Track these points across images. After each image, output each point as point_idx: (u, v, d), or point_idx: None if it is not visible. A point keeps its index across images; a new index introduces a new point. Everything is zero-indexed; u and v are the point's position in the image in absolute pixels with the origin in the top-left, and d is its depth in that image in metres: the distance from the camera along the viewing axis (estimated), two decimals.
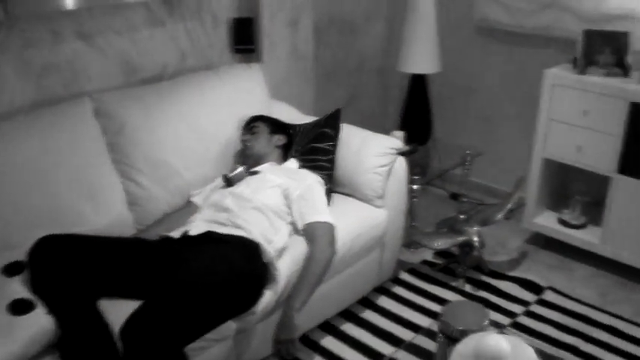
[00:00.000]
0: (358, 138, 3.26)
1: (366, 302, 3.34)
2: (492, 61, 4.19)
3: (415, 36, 3.88)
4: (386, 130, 3.54)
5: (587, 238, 3.64)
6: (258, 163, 3.02)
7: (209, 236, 2.61)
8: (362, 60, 4.51)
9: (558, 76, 3.48)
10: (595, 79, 3.39)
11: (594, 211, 3.64)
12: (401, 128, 3.90)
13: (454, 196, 4.27)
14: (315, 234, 2.75)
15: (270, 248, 2.61)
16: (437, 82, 4.14)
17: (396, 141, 3.29)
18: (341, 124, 3.28)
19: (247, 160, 3.06)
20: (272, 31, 3.63)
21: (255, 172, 2.95)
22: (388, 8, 4.51)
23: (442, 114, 4.37)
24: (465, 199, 3.96)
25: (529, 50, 3.98)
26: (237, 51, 3.61)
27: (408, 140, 3.64)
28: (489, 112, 4.29)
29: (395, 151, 3.23)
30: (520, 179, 3.68)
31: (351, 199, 3.21)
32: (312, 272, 2.64)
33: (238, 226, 2.64)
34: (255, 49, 3.61)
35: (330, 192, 3.08)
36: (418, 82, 4.08)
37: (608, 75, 3.41)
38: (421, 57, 3.92)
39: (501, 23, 4.01)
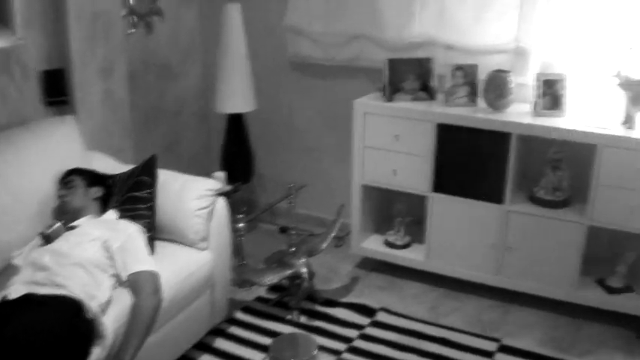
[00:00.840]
0: (177, 183, 3.21)
1: (202, 346, 3.27)
2: (308, 94, 4.30)
3: (229, 76, 3.90)
4: (210, 172, 3.52)
5: (412, 256, 3.80)
6: (76, 217, 2.90)
7: (29, 299, 2.46)
8: (181, 103, 4.47)
9: (368, 105, 3.63)
10: (402, 105, 3.58)
11: (417, 230, 3.80)
12: (223, 169, 3.88)
13: (283, 230, 4.31)
14: (139, 284, 2.67)
15: (93, 304, 2.51)
16: (256, 118, 4.18)
17: (215, 182, 3.27)
18: (158, 170, 3.21)
19: (65, 215, 2.93)
20: (85, 81, 3.51)
21: (74, 227, 2.83)
22: (204, 48, 4.51)
23: (264, 150, 4.41)
24: (293, 232, 4.00)
25: (341, 81, 4.13)
26: (50, 104, 3.44)
27: (230, 180, 3.63)
28: (310, 144, 4.38)
29: (214, 193, 3.21)
30: (340, 207, 3.77)
31: (174, 244, 3.15)
32: (139, 323, 2.56)
33: (58, 285, 2.51)
34: (68, 100, 3.47)
35: (152, 240, 3.01)
36: (236, 122, 4.09)
37: (414, 100, 3.61)
38: (236, 96, 3.94)
39: (313, 57, 4.13)
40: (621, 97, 3.27)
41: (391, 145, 3.60)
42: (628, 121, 3.27)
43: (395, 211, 3.89)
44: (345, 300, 3.67)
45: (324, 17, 4.00)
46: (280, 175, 4.43)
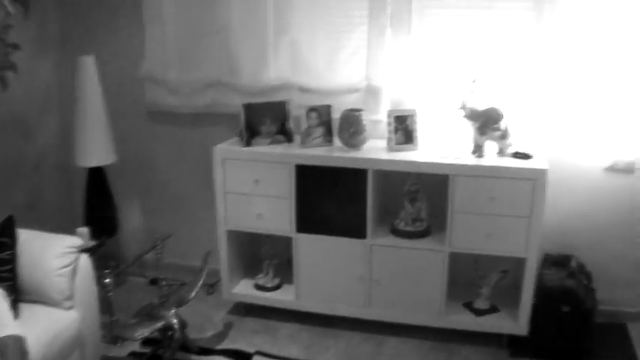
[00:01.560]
0: (38, 242, 3.10)
1: None
2: (168, 142, 4.27)
3: (87, 128, 3.83)
4: (74, 228, 3.42)
5: (283, 297, 3.81)
6: None
7: None
8: (40, 158, 4.32)
9: (227, 151, 3.64)
10: (261, 149, 3.61)
11: (286, 271, 3.81)
12: (87, 223, 3.77)
13: (153, 282, 4.22)
14: (4, 350, 2.54)
15: None
16: (118, 170, 4.09)
17: (76, 239, 3.18)
18: (18, 230, 3.09)
19: None
20: None
21: None
22: (61, 101, 4.38)
23: (129, 202, 4.33)
24: (164, 283, 3.92)
25: (200, 128, 4.12)
26: None
27: (95, 234, 3.54)
28: (174, 193, 4.33)
29: (77, 250, 3.12)
30: (206, 254, 3.73)
31: (39, 305, 3.01)
32: None
33: None
34: None
35: (15, 303, 2.88)
36: (97, 175, 4.00)
37: (272, 143, 3.65)
38: (96, 149, 3.86)
39: (171, 106, 4.09)
40: (469, 128, 3.43)
41: (253, 189, 3.61)
42: (477, 150, 3.43)
43: (263, 254, 3.89)
44: (220, 347, 3.63)
45: (180, 65, 4.00)
46: (146, 226, 4.35)
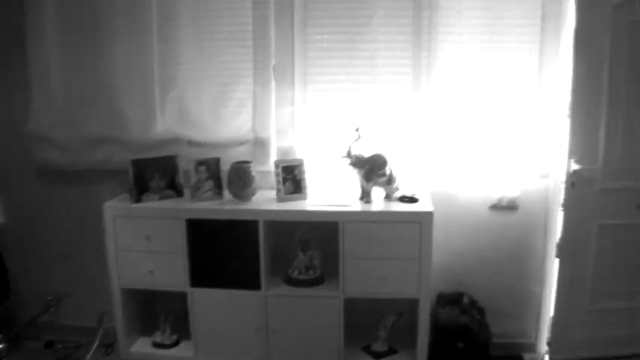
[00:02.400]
0: None
1: None
2: (59, 200, 4.16)
3: None
4: None
5: (182, 353, 3.75)
6: None
7: None
8: None
9: (117, 208, 3.59)
10: (151, 205, 3.58)
11: (184, 326, 3.75)
12: None
13: (49, 345, 4.09)
14: None
15: None
16: (8, 231, 3.96)
17: None
18: None
19: None
20: None
21: None
22: None
23: (20, 263, 4.18)
24: (59, 346, 3.81)
25: (91, 185, 4.03)
26: None
27: None
28: (67, 252, 4.21)
29: None
30: (100, 314, 3.66)
31: None
32: None
33: None
34: None
35: None
36: None
37: (162, 198, 3.62)
38: None
39: (60, 163, 3.99)
40: (355, 175, 3.49)
41: (145, 246, 3.56)
42: (364, 197, 3.50)
43: (159, 311, 3.83)
44: None
45: (68, 122, 3.92)
46: (39, 288, 4.21)
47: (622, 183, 3.56)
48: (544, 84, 3.57)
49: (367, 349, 3.67)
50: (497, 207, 3.75)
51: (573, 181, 3.50)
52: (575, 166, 3.48)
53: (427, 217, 3.32)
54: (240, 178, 3.51)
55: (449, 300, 3.72)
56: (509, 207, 3.74)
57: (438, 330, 3.59)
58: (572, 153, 3.49)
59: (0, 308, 3.88)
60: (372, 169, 3.47)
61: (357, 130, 3.46)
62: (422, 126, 3.66)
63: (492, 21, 3.54)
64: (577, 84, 3.41)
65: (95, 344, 3.54)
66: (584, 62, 3.40)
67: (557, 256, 3.65)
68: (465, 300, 3.70)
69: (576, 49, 3.37)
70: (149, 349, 3.81)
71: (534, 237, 3.78)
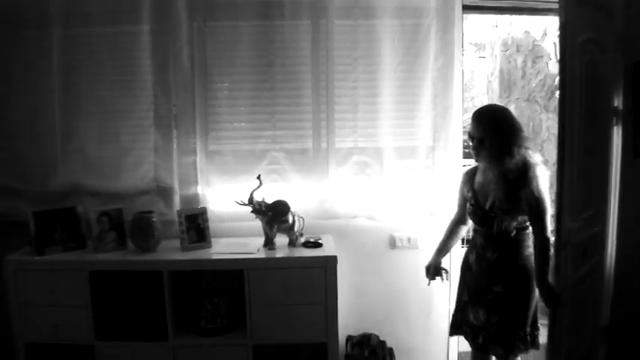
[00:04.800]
0: None
1: None
2: None
3: None
4: None
5: None
6: None
7: None
8: None
9: (18, 261, 3.50)
10: (53, 257, 3.51)
11: None
12: None
13: None
14: None
15: None
16: None
17: None
18: None
19: None
20: None
21: None
22: None
23: None
24: None
25: None
26: None
27: None
28: None
29: None
30: None
31: None
32: None
33: None
34: None
35: None
36: None
37: (65, 250, 3.56)
38: None
39: None
40: (259, 222, 3.52)
41: (48, 299, 3.47)
42: (268, 243, 3.53)
43: None
44: None
45: None
46: None
47: None
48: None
49: None
50: (396, 246, 3.83)
51: None
52: None
53: (331, 261, 3.39)
54: (143, 229, 3.50)
55: (357, 342, 3.76)
56: (408, 246, 3.83)
57: None
58: None
59: None
60: (274, 215, 3.51)
61: (258, 177, 3.51)
62: (322, 171, 3.73)
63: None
64: None
65: None
66: None
67: None
68: (374, 341, 3.75)
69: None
70: None
71: None
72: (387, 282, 3.89)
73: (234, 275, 3.44)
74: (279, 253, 3.50)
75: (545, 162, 3.32)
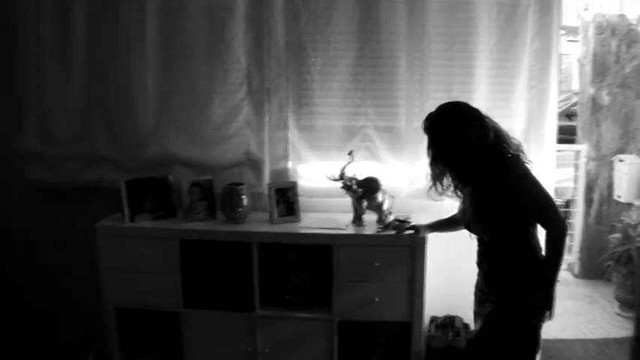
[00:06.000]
0: None
1: None
2: (50, 219, 4.14)
3: None
4: None
5: None
6: None
7: None
8: None
9: (110, 227, 3.59)
10: (144, 225, 3.58)
11: (176, 347, 3.73)
12: None
13: None
14: None
15: None
16: None
17: None
18: None
19: None
20: None
21: None
22: None
23: (11, 279, 4.16)
24: None
25: (83, 205, 4.01)
26: None
27: None
28: (57, 271, 4.19)
29: None
30: (93, 334, 3.66)
31: None
32: None
33: None
34: None
35: None
36: None
37: (155, 219, 3.62)
38: None
39: (51, 182, 3.99)
40: (349, 198, 3.50)
41: (138, 265, 3.54)
42: (357, 220, 3.51)
43: (152, 330, 3.81)
44: None
45: (60, 140, 3.92)
46: (30, 304, 4.19)
47: None
48: None
49: None
50: None
51: None
52: None
53: (420, 240, 3.34)
54: (233, 200, 3.52)
55: (441, 324, 3.72)
56: None
57: (431, 354, 3.58)
58: None
59: None
60: (365, 192, 3.48)
61: (350, 153, 3.48)
62: (414, 150, 3.67)
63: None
64: None
65: None
66: None
67: None
68: (458, 324, 3.70)
69: None
70: None
71: None
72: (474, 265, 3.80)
73: (321, 250, 3.43)
74: (368, 231, 3.46)
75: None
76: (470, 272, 3.70)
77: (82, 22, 3.80)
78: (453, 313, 3.80)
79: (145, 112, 3.80)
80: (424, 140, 3.42)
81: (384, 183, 3.54)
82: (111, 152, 3.87)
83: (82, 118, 3.89)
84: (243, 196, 3.53)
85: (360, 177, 3.50)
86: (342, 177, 3.46)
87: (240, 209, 3.52)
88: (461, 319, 3.75)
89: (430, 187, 2.93)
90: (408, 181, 3.70)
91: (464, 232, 3.61)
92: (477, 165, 2.76)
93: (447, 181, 2.90)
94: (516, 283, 2.85)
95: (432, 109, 3.52)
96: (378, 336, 3.65)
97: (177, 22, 3.74)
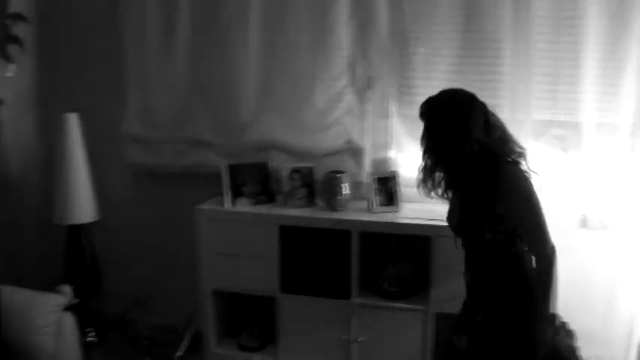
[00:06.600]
0: (21, 299, 3.14)
1: None
2: (150, 201, 4.26)
3: (68, 186, 3.80)
4: (53, 286, 3.39)
5: (266, 357, 3.79)
6: None
7: None
8: (20, 215, 4.29)
9: (210, 211, 3.66)
10: (243, 209, 3.63)
11: (270, 331, 3.79)
12: (67, 282, 3.73)
13: (134, 340, 4.17)
14: None
15: None
16: (100, 228, 4.05)
17: (61, 297, 3.18)
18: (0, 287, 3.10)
19: None
20: None
21: None
22: (43, 158, 4.37)
23: (110, 259, 4.27)
24: (145, 342, 3.89)
25: (183, 187, 4.10)
26: None
27: (76, 293, 3.50)
28: (156, 252, 4.30)
29: (61, 307, 3.12)
30: (189, 315, 3.73)
31: None
32: None
33: None
34: None
35: None
36: (78, 233, 3.97)
37: (255, 203, 3.67)
38: (77, 207, 3.82)
39: (153, 165, 4.10)
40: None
41: (236, 249, 3.61)
42: None
43: (247, 314, 3.87)
44: None
45: (162, 125, 4.02)
46: (129, 285, 4.30)
47: None
48: None
49: None
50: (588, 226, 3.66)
51: None
52: None
53: None
54: (333, 188, 3.54)
55: None
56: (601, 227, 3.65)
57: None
58: None
59: (91, 301, 3.97)
60: None
61: None
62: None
63: None
64: None
65: (185, 342, 3.60)
66: None
67: None
68: (557, 322, 3.63)
69: None
70: (234, 351, 3.86)
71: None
72: (572, 261, 3.72)
73: (419, 241, 3.41)
74: None
75: None
76: (566, 267, 3.63)
77: (186, 7, 3.87)
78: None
79: (247, 98, 3.85)
80: (528, 132, 3.38)
81: None
82: (212, 137, 3.94)
83: (184, 102, 3.97)
84: (344, 184, 3.54)
85: None
86: None
87: (340, 197, 3.54)
88: (559, 317, 3.67)
89: (419, 182, 2.74)
90: None
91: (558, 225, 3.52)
92: (471, 165, 2.55)
93: (440, 176, 2.70)
94: (499, 302, 2.64)
95: (537, 100, 3.48)
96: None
97: (281, 9, 3.76)
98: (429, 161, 2.66)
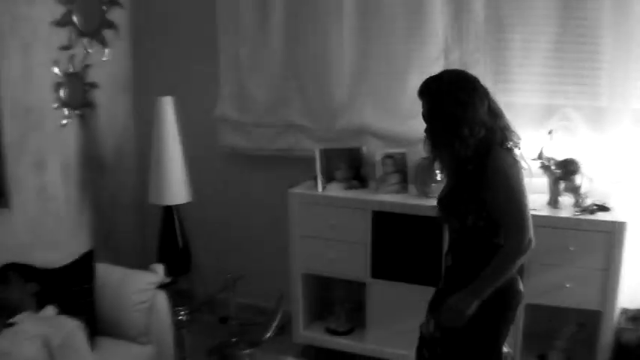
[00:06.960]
0: (116, 276, 3.24)
1: None
2: (242, 184, 4.34)
3: (163, 168, 3.90)
4: (147, 265, 3.49)
5: (354, 342, 3.81)
6: (13, 314, 2.83)
7: None
8: (115, 195, 4.43)
9: (303, 195, 3.70)
10: (336, 194, 3.66)
11: (358, 315, 3.82)
12: (160, 261, 3.84)
13: (223, 320, 4.25)
14: None
15: None
16: (193, 209, 4.15)
17: (154, 275, 3.26)
18: (96, 264, 3.19)
19: (1, 312, 2.86)
20: (17, 175, 3.50)
21: (11, 324, 2.75)
22: (138, 140, 4.52)
23: (202, 240, 4.37)
24: (234, 322, 3.97)
25: (275, 171, 4.18)
26: None
27: (168, 272, 3.60)
28: (247, 234, 4.39)
29: (154, 286, 3.20)
30: (280, 297, 3.78)
31: (115, 339, 3.13)
32: None
33: None
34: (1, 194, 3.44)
35: (92, 335, 2.98)
36: (171, 213, 4.07)
37: (348, 188, 3.69)
38: (171, 188, 3.92)
39: (245, 149, 4.18)
40: (546, 179, 3.41)
41: (328, 233, 3.64)
42: (552, 202, 3.41)
43: (336, 297, 3.91)
44: None
45: (254, 109, 4.09)
46: (218, 266, 4.39)
47: None
48: None
49: (542, 358, 3.57)
50: None
51: None
52: None
53: (620, 227, 3.20)
54: (427, 174, 3.52)
55: (633, 316, 3.56)
56: None
57: (619, 348, 3.44)
58: None
59: (181, 282, 4.06)
60: (563, 174, 3.38)
61: (550, 132, 3.38)
62: (616, 132, 3.50)
63: None
64: None
65: (275, 324, 3.66)
66: None
67: None
68: None
69: None
70: (322, 335, 3.91)
71: None
72: None
73: None
74: (563, 213, 3.36)
75: None
76: None
77: None
78: None
79: (341, 83, 3.87)
80: (628, 121, 3.27)
81: (583, 165, 3.41)
82: (305, 121, 3.98)
83: (278, 87, 4.02)
84: (437, 171, 3.51)
85: (559, 158, 3.40)
86: (540, 156, 3.38)
87: (434, 184, 3.52)
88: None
89: (428, 157, 2.75)
90: (609, 163, 3.55)
91: None
92: (472, 149, 2.47)
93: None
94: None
95: (636, 90, 3.37)
96: (565, 323, 3.54)
97: None
98: (431, 143, 2.66)
